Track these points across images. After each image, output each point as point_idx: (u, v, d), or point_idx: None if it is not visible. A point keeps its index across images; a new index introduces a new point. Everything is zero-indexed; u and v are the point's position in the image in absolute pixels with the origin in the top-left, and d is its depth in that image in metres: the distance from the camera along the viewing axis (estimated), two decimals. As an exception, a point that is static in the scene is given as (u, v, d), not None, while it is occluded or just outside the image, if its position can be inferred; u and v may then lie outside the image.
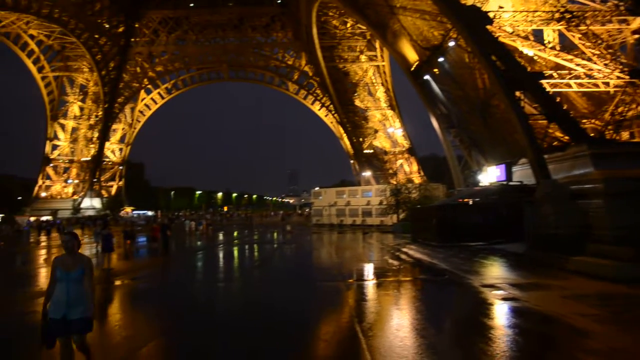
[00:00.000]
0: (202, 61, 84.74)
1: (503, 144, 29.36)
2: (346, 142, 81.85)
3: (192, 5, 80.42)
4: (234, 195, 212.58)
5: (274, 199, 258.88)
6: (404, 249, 23.53)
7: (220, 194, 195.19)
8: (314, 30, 70.18)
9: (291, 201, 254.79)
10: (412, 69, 40.35)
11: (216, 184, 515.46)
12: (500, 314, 9.92)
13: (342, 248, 27.86)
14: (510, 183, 25.91)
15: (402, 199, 42.20)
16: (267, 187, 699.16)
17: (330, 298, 12.02)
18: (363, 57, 77.62)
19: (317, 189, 67.26)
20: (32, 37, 74.40)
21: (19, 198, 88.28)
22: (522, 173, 24.84)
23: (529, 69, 24.87)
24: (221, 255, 24.92)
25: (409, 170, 77.17)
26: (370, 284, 14.35)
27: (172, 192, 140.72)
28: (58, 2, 64.14)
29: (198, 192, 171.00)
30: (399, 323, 9.14)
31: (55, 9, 64.00)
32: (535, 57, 26.64)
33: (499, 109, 27.92)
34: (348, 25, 74.68)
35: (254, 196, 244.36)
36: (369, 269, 17.77)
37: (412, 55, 40.38)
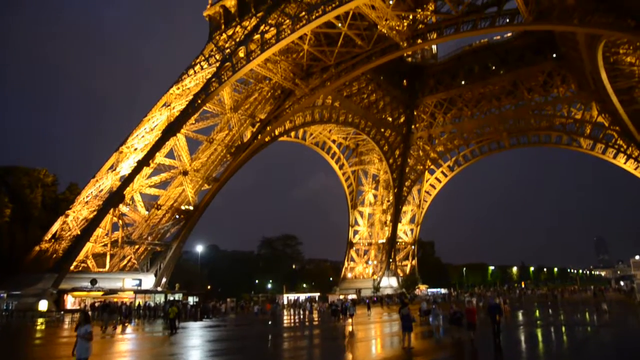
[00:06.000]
0: (480, 134, 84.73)
1: None
2: (670, 197, 66.48)
3: (463, 82, 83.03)
4: (531, 269, 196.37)
5: (580, 271, 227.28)
6: None
7: (515, 269, 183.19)
8: (603, 75, 62.05)
9: (602, 274, 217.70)
10: None
11: (510, 258, 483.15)
12: None
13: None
14: None
15: None
16: (569, 259, 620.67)
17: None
18: (678, 91, 63.80)
19: (638, 257, 55.74)
20: (333, 141, 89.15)
21: (330, 279, 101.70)
22: None
23: None
24: (522, 338, 22.46)
25: None
26: None
27: (464, 269, 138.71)
28: (351, 109, 75.73)
29: (491, 268, 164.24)
30: None
31: (349, 114, 75.65)
32: None
33: None
34: (650, 58, 63.39)
35: (555, 269, 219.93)
36: None
37: None
